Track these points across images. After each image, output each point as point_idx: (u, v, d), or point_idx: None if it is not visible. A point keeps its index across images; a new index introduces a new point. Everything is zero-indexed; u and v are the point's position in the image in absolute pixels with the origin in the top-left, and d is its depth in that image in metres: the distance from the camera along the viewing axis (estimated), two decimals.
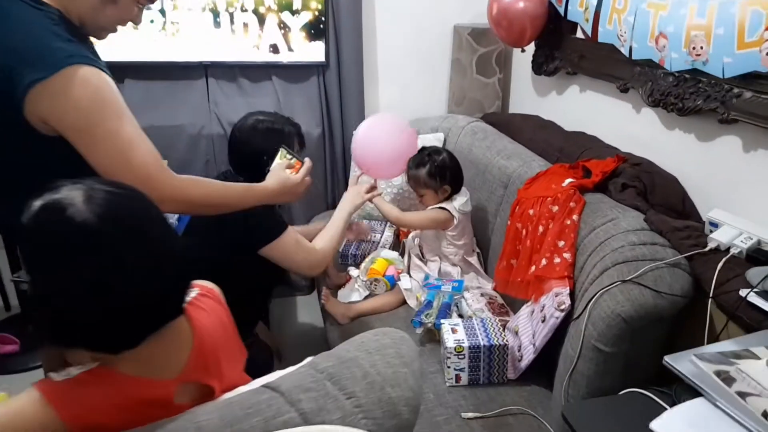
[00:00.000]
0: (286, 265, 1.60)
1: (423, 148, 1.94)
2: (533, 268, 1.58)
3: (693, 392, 0.88)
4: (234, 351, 1.02)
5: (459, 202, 1.89)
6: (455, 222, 1.87)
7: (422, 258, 2.00)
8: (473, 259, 1.95)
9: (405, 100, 2.69)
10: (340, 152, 2.60)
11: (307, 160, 1.47)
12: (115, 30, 1.21)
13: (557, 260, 1.51)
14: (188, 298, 0.91)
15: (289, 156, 1.48)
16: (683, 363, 0.91)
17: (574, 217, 1.53)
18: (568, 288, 1.43)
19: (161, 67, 2.34)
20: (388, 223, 2.34)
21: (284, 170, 1.42)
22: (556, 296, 1.43)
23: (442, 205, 1.88)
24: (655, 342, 1.28)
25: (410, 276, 1.94)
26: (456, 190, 1.92)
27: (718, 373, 0.87)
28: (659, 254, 1.30)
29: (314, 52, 2.42)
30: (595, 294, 1.26)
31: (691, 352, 0.93)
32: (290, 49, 2.40)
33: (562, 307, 1.40)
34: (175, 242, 0.84)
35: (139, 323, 0.77)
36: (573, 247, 1.49)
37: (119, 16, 1.18)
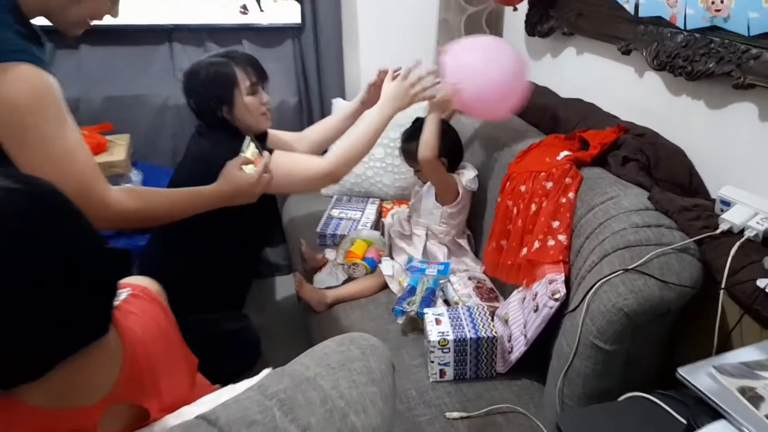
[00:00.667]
0: (285, 191, 1.50)
1: (417, 119, 1.77)
2: (525, 250, 1.45)
3: (712, 411, 0.75)
4: (176, 360, 0.88)
5: (467, 177, 1.73)
6: (458, 198, 1.72)
7: (406, 234, 1.85)
8: (463, 241, 1.80)
9: (388, 65, 2.49)
10: None
11: (265, 154, 1.30)
12: (88, 26, 1.10)
13: (551, 242, 1.37)
14: (115, 303, 0.76)
15: (251, 148, 1.31)
16: (700, 377, 0.78)
17: (570, 194, 1.39)
18: (563, 274, 1.30)
19: (120, 32, 2.13)
20: (371, 200, 2.19)
21: (238, 169, 1.26)
22: (549, 283, 1.31)
23: (454, 175, 1.73)
24: (659, 338, 1.15)
25: (392, 258, 1.80)
26: (454, 164, 1.76)
27: (742, 391, 0.74)
28: (666, 238, 1.16)
29: (288, 12, 2.22)
30: (594, 284, 1.13)
31: (708, 363, 0.79)
32: (261, 10, 2.20)
33: (557, 296, 1.27)
34: (95, 242, 0.68)
35: (42, 350, 0.62)
36: (569, 229, 1.36)
37: (92, 10, 1.07)
